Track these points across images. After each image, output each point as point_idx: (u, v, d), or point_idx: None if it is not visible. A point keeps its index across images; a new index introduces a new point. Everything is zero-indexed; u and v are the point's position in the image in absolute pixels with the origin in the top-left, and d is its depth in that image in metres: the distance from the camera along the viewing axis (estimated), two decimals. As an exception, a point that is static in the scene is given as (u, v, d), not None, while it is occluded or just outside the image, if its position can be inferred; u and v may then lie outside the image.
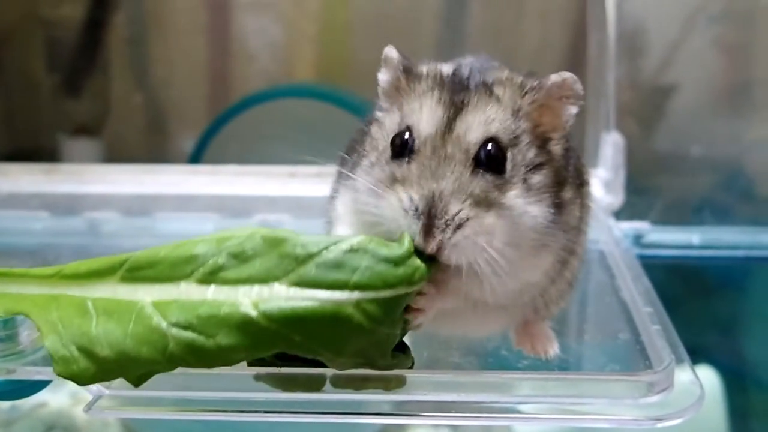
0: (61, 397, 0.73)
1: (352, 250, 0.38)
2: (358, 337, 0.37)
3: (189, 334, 0.37)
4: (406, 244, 0.39)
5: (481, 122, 0.44)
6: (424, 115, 0.44)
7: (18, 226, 0.82)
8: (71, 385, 0.40)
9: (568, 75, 0.45)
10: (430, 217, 0.40)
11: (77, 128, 1.20)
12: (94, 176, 0.86)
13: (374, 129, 0.48)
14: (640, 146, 0.93)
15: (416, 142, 0.43)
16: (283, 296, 0.37)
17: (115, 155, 1.16)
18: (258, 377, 0.41)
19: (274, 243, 0.39)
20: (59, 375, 0.39)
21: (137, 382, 0.39)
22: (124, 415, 0.43)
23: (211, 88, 1.21)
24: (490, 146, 0.43)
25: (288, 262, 0.38)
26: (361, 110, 1.04)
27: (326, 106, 1.04)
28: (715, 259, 0.83)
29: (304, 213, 0.78)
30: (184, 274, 0.39)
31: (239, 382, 0.41)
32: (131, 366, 0.38)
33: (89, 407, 0.42)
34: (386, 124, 0.47)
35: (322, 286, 0.37)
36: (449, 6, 1.15)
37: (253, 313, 0.37)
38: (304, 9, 1.17)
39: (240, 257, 0.39)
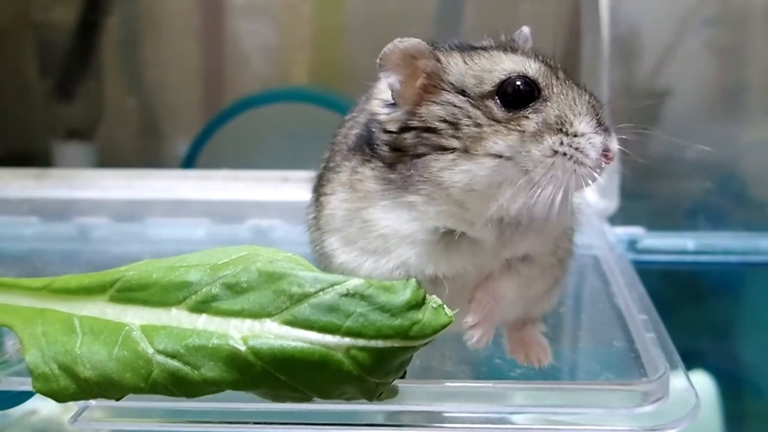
0: (51, 405, 0.72)
1: (349, 295, 0.37)
2: (346, 383, 0.37)
3: (175, 363, 0.37)
4: (408, 294, 0.37)
5: None
6: (527, 62, 0.43)
7: (7, 232, 0.82)
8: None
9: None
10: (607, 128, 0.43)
11: (70, 132, 1.20)
12: (84, 181, 0.85)
13: (410, 134, 0.44)
14: (635, 150, 0.93)
15: (539, 83, 0.43)
16: (274, 334, 0.37)
17: (108, 159, 1.15)
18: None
19: (270, 278, 0.38)
20: (38, 391, 0.39)
21: (118, 398, 0.39)
22: (112, 426, 0.43)
23: (205, 92, 1.20)
24: None
25: (282, 300, 0.37)
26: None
27: (320, 109, 1.03)
28: (710, 265, 0.83)
29: (296, 218, 0.77)
30: (176, 300, 0.39)
31: (229, 393, 0.40)
32: (112, 389, 0.38)
33: (75, 418, 0.41)
34: (435, 110, 0.43)
35: (314, 328, 0.37)
36: (443, 10, 1.15)
37: (242, 348, 0.36)
38: (298, 12, 1.17)
39: (234, 289, 0.38)
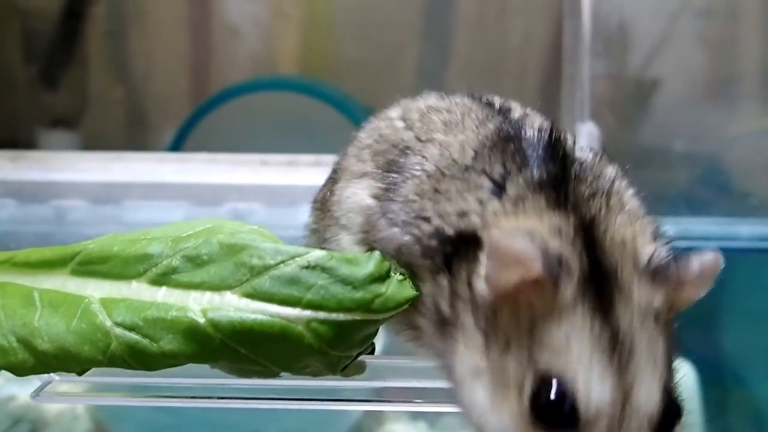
0: (29, 390, 0.72)
1: (310, 267, 0.36)
2: (307, 356, 0.36)
3: (133, 336, 0.36)
4: (371, 267, 0.36)
5: (660, 375, 0.31)
6: (588, 370, 0.31)
7: (-18, 214, 0.81)
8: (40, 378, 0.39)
9: None
10: None
11: (54, 121, 1.19)
12: (61, 164, 0.85)
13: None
14: (622, 140, 0.93)
15: (580, 412, 0.30)
16: (234, 306, 0.36)
17: (93, 148, 1.14)
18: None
19: (231, 250, 0.37)
20: None
21: (80, 372, 0.38)
22: (74, 401, 0.42)
23: (192, 81, 1.20)
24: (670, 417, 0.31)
25: (243, 272, 0.36)
26: (343, 105, 1.04)
27: (307, 99, 1.03)
28: (689, 251, 0.82)
29: (275, 201, 0.77)
30: (136, 272, 0.38)
31: (196, 368, 0.39)
32: (70, 362, 0.37)
33: (37, 393, 0.41)
34: (511, 364, 0.32)
35: (274, 300, 0.36)
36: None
37: (201, 320, 0.36)
38: (287, 1, 1.16)
39: (195, 261, 0.37)
